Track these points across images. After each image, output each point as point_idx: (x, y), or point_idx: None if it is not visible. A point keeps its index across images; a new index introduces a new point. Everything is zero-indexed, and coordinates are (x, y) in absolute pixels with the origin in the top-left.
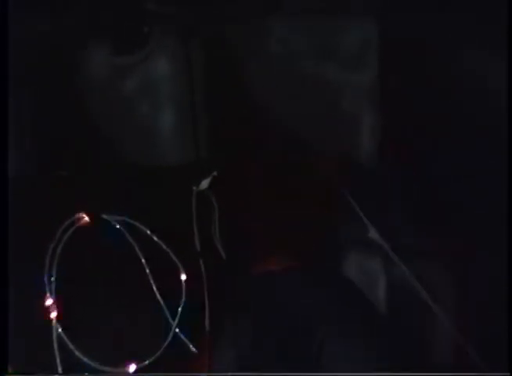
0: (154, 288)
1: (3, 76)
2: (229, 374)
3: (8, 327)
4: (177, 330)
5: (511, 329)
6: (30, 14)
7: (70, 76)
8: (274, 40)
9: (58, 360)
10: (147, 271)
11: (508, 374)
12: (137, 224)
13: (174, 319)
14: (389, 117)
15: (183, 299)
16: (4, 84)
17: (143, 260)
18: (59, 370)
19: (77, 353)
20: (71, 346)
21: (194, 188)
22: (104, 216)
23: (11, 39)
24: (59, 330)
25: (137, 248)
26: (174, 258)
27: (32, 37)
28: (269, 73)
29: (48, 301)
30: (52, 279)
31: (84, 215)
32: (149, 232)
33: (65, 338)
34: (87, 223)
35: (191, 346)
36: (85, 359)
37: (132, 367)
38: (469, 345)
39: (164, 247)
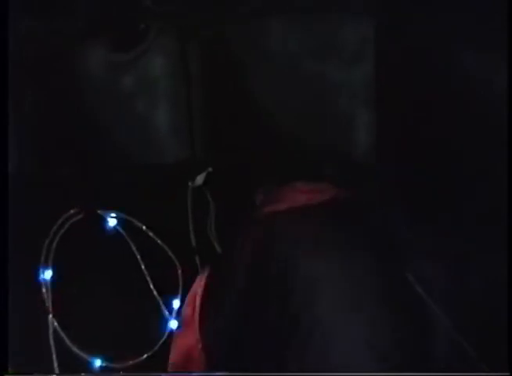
0: (150, 284)
1: (3, 75)
2: (228, 373)
3: (8, 327)
4: (174, 325)
5: (511, 329)
6: (28, 11)
7: (67, 74)
8: (272, 38)
9: (54, 356)
10: (142, 267)
11: (508, 374)
12: (132, 220)
13: (170, 314)
14: (386, 115)
15: (179, 294)
16: (4, 83)
17: (138, 256)
18: (55, 365)
19: (73, 349)
20: (68, 342)
21: (189, 184)
22: (99, 212)
23: (10, 38)
24: (55, 323)
25: (132, 244)
26: (170, 253)
27: (30, 35)
28: (267, 71)
29: (44, 297)
30: (48, 274)
31: (80, 211)
32: (144, 227)
33: (61, 332)
34: (82, 219)
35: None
36: (82, 354)
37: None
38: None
39: (160, 242)
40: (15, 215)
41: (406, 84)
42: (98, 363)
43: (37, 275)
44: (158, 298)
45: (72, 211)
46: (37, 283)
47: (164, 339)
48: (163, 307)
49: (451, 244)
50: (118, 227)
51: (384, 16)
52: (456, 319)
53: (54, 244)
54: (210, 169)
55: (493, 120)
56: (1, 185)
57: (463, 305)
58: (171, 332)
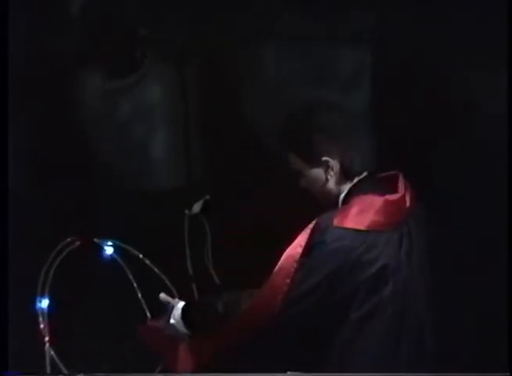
0: (147, 312)
1: (3, 100)
2: (229, 374)
3: (8, 328)
4: None
5: (511, 329)
6: (28, 39)
7: (65, 101)
8: (270, 64)
9: None
10: (139, 295)
11: (508, 374)
12: (129, 248)
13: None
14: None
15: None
16: (4, 108)
17: (135, 284)
18: None
19: None
20: (64, 370)
21: (186, 212)
22: (96, 240)
23: (10, 63)
24: (52, 352)
25: (129, 272)
26: (166, 281)
27: (28, 63)
28: (263, 96)
29: (41, 326)
30: (45, 303)
31: (77, 239)
32: (141, 256)
33: (58, 362)
34: (79, 247)
35: None
36: None
37: None
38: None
39: (157, 270)
40: (11, 244)
41: (405, 104)
42: None
43: (34, 304)
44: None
45: (69, 240)
46: (34, 312)
47: (160, 367)
48: None
49: (451, 244)
50: (115, 255)
51: (383, 41)
52: (457, 319)
53: (51, 272)
54: (207, 197)
55: (491, 138)
56: (1, 213)
57: (464, 306)
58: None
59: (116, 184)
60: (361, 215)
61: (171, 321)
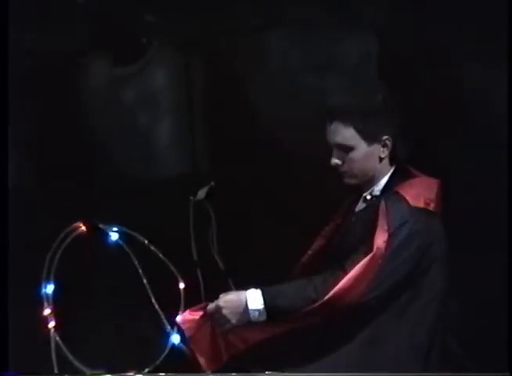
0: (152, 298)
1: (4, 88)
2: (229, 374)
3: (8, 326)
4: (176, 339)
5: (511, 329)
6: (31, 26)
7: (69, 88)
8: (273, 52)
9: (56, 369)
10: (144, 281)
11: (508, 374)
12: (134, 234)
13: (172, 328)
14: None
15: (182, 308)
16: (5, 96)
17: (140, 270)
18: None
19: (75, 363)
20: (70, 356)
21: (191, 198)
22: (101, 226)
23: (11, 51)
24: (57, 338)
25: (134, 258)
26: (171, 267)
27: (32, 49)
28: (268, 85)
29: (46, 311)
30: (50, 288)
31: (82, 225)
32: (146, 241)
33: (63, 347)
34: (84, 233)
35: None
36: (84, 368)
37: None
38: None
39: (162, 256)
40: (16, 229)
41: (408, 95)
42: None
43: (39, 289)
44: (160, 311)
45: (74, 225)
46: (39, 298)
47: (165, 353)
48: (164, 321)
49: (451, 244)
50: (120, 241)
51: (385, 30)
52: (456, 319)
53: (56, 258)
54: (212, 183)
55: (494, 132)
56: (2, 199)
57: (464, 306)
58: (174, 346)
59: (121, 170)
60: (426, 195)
61: (252, 308)
